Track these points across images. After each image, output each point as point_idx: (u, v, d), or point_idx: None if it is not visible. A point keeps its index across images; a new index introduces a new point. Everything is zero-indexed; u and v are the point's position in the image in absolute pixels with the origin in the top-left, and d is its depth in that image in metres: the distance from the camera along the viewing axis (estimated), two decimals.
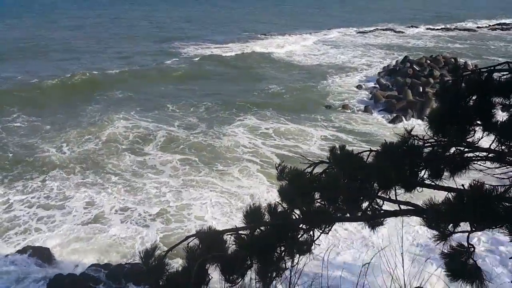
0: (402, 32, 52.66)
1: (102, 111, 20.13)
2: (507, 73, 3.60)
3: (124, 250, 10.04)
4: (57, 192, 12.62)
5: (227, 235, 2.92)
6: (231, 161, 14.71)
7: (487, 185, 2.63)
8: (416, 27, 56.79)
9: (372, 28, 54.96)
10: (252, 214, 3.02)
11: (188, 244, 2.72)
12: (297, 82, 26.53)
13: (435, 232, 2.52)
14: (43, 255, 9.58)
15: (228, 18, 62.32)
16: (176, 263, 3.37)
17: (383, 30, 54.30)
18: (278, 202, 3.35)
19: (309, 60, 34.08)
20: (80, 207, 11.85)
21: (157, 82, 26.16)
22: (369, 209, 3.35)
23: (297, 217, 3.29)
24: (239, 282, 2.92)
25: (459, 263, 2.41)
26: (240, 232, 2.95)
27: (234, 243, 2.88)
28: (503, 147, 3.46)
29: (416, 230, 8.62)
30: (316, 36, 48.33)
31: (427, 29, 55.93)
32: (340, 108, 20.64)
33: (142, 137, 16.96)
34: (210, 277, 2.86)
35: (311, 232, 3.37)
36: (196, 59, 33.55)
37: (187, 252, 2.73)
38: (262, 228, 3.07)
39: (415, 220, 2.96)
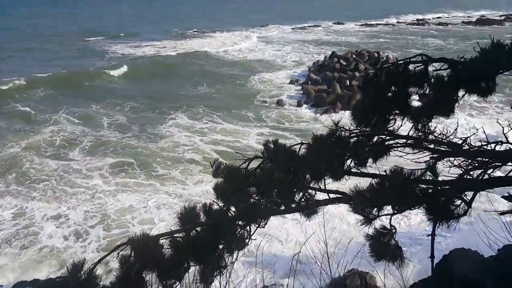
0: (331, 28, 54.88)
1: (25, 117, 18.68)
2: (421, 64, 3.90)
3: (60, 262, 9.41)
4: None
5: (162, 239, 2.85)
6: (171, 162, 14.38)
7: (406, 170, 2.84)
8: (343, 24, 59.47)
9: (304, 25, 56.67)
10: (187, 216, 2.97)
11: (118, 253, 2.61)
12: (230, 79, 26.61)
13: (360, 217, 2.66)
14: None
15: (162, 15, 60.54)
16: (111, 275, 3.22)
17: (314, 26, 56.22)
18: (213, 200, 3.34)
19: (242, 57, 34.30)
20: (7, 218, 10.89)
21: (83, 84, 24.81)
22: (302, 200, 3.46)
23: (233, 214, 3.30)
24: (176, 286, 2.87)
25: (382, 244, 2.57)
26: (176, 235, 2.89)
27: (169, 247, 2.81)
28: (419, 134, 3.76)
29: (340, 217, 9.13)
30: (250, 32, 48.79)
31: (355, 25, 58.85)
32: (274, 104, 21.05)
33: (69, 141, 16.02)
34: (147, 284, 2.77)
35: (248, 227, 3.41)
36: (125, 58, 32.33)
37: (119, 262, 2.62)
38: (198, 228, 3.04)
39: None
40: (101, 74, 27.56)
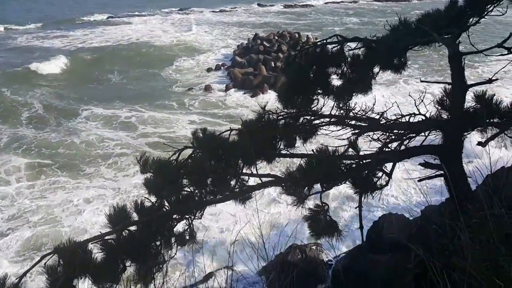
0: (253, 10, 54.88)
1: None
2: (337, 44, 4.05)
3: None
4: None
5: (92, 243, 2.71)
6: (99, 159, 13.58)
7: (330, 148, 2.97)
8: (265, 5, 59.76)
9: (226, 7, 55.95)
10: (117, 216, 2.85)
11: (45, 264, 2.44)
12: (149, 67, 25.54)
13: (293, 198, 2.75)
14: None
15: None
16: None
17: (234, 8, 55.80)
18: (145, 197, 3.23)
19: (159, 42, 33.00)
20: None
21: None
22: (237, 187, 3.47)
23: (167, 208, 3.23)
24: None
25: (318, 221, 2.69)
26: (107, 237, 2.76)
27: (101, 250, 2.69)
28: (341, 112, 3.93)
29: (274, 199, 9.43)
30: (165, 15, 47.09)
31: (273, 6, 59.40)
32: (201, 91, 20.76)
33: None
34: None
35: (186, 221, 3.36)
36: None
37: (47, 273, 2.45)
38: (131, 228, 2.93)
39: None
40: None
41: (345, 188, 2.81)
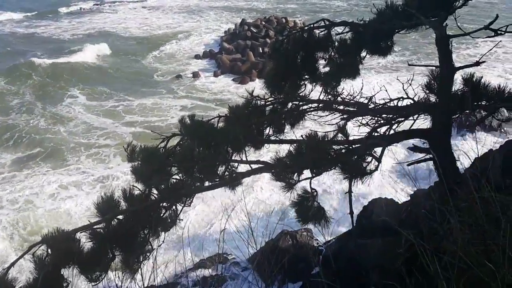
0: None
1: None
2: (324, 29, 4.01)
3: None
4: None
5: (80, 233, 2.67)
6: (84, 148, 13.36)
7: (320, 133, 2.95)
8: None
9: None
10: (105, 205, 2.81)
11: (33, 253, 2.40)
12: (135, 53, 25.04)
13: (282, 183, 2.73)
14: None
15: None
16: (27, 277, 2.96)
17: None
18: (133, 185, 3.19)
19: (140, 29, 32.28)
20: None
21: None
22: (226, 174, 3.44)
23: (156, 196, 3.19)
24: (103, 277, 2.74)
25: (306, 208, 2.69)
26: (95, 227, 2.72)
27: (90, 239, 2.65)
28: (329, 97, 3.91)
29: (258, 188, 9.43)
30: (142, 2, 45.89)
31: None
32: (191, 77, 20.51)
33: None
34: (68, 281, 2.60)
35: (174, 208, 3.33)
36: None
37: (34, 263, 2.41)
38: (120, 217, 2.90)
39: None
40: None
41: (335, 174, 2.80)
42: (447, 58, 2.95)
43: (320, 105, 3.75)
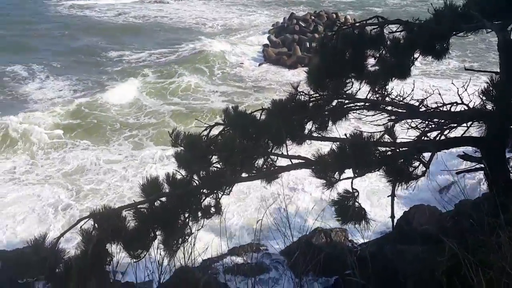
0: None
1: None
2: (377, 26, 3.91)
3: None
4: None
5: (125, 211, 2.80)
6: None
7: (365, 133, 2.90)
8: None
9: None
10: (150, 186, 2.92)
11: (81, 227, 2.55)
12: (180, 43, 25.63)
13: (322, 181, 2.72)
14: None
15: None
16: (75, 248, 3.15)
17: None
18: (176, 170, 3.29)
19: (186, 19, 32.86)
20: None
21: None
22: (265, 166, 3.47)
23: (197, 183, 3.28)
24: (144, 255, 2.86)
25: (346, 207, 2.66)
26: (139, 206, 2.84)
27: (134, 218, 2.78)
28: (377, 96, 3.82)
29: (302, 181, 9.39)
30: None
31: None
32: (237, 67, 20.70)
33: None
34: (112, 256, 2.74)
35: (214, 195, 3.41)
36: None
37: (81, 235, 2.56)
38: (162, 199, 3.00)
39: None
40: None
41: (378, 175, 2.75)
42: (509, 65, 2.80)
43: (367, 104, 3.68)
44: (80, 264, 2.57)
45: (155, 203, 2.92)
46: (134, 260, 2.88)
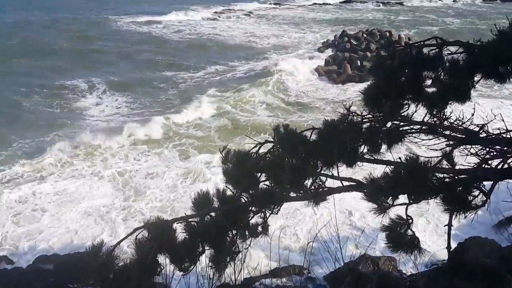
0: (342, 6, 53.58)
1: None
2: (435, 47, 3.81)
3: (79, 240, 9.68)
4: None
5: (177, 223, 2.88)
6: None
7: (422, 158, 2.80)
8: (358, 2, 57.89)
9: (304, 2, 55.23)
10: (201, 201, 2.99)
11: (136, 236, 2.65)
12: (236, 59, 26.34)
13: (374, 206, 2.64)
14: None
15: None
16: (127, 257, 3.29)
17: (319, 4, 54.92)
18: (226, 186, 3.35)
19: (242, 36, 33.75)
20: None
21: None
22: (313, 187, 3.44)
23: (246, 200, 3.31)
24: (191, 269, 2.91)
25: (399, 234, 2.56)
26: (190, 220, 2.92)
27: (184, 231, 2.85)
28: (434, 120, 3.69)
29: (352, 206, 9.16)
30: (240, 7, 47.86)
31: (362, 2, 57.35)
32: (287, 84, 20.88)
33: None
34: (162, 267, 2.82)
35: (261, 214, 3.42)
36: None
37: (135, 245, 2.66)
38: (212, 214, 3.06)
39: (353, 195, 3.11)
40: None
41: (434, 203, 2.63)
42: None
43: (424, 127, 3.56)
44: (131, 273, 2.67)
45: (205, 218, 2.99)
46: (182, 273, 2.94)
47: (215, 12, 45.98)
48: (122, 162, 13.23)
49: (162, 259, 2.84)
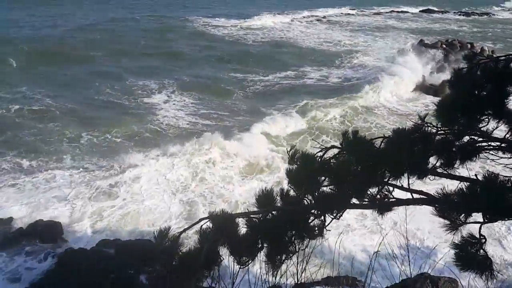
0: (413, 14, 51.40)
1: None
2: None
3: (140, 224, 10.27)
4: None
5: (239, 218, 2.97)
6: None
7: (501, 176, 2.62)
8: (431, 12, 55.18)
9: (381, 10, 53.60)
10: (264, 199, 3.05)
11: (201, 226, 2.77)
12: (316, 61, 26.32)
13: (446, 222, 2.52)
14: (54, 229, 9.81)
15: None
16: (190, 245, 3.44)
17: (397, 12, 53.01)
18: (290, 186, 3.37)
19: (319, 43, 33.54)
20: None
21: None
22: (378, 196, 3.35)
23: (308, 202, 3.31)
24: (249, 263, 2.98)
25: (470, 253, 2.42)
26: (252, 216, 2.99)
27: (245, 226, 2.92)
28: None
29: (420, 218, 8.69)
30: (317, 13, 47.55)
31: (448, 13, 54.43)
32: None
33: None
34: (222, 258, 2.92)
35: (322, 217, 3.40)
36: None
37: (199, 234, 2.78)
38: (273, 212, 3.11)
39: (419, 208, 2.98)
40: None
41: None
42: None
43: (503, 145, 3.33)
44: (194, 260, 2.80)
45: (267, 215, 3.04)
46: (240, 266, 3.02)
47: (309, 16, 46.23)
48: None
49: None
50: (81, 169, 12.93)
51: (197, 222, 2.80)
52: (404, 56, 25.11)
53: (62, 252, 8.96)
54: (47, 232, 9.71)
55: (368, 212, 3.18)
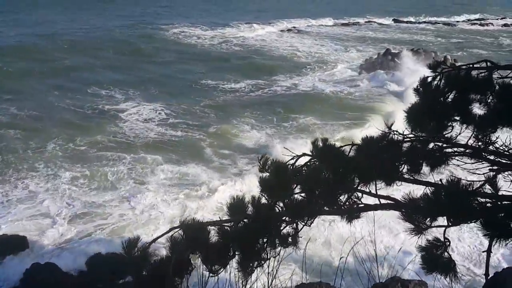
0: (383, 25, 53.07)
1: None
2: (485, 71, 3.71)
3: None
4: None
5: (211, 227, 2.95)
6: None
7: (463, 181, 2.72)
8: (397, 21, 57.14)
9: (351, 20, 55.03)
10: (236, 206, 3.04)
11: (172, 235, 2.74)
12: (286, 71, 26.52)
13: (412, 226, 2.59)
14: (19, 243, 9.41)
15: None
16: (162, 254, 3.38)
17: (366, 22, 54.52)
18: (262, 194, 3.38)
19: (286, 50, 33.89)
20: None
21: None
22: (348, 202, 3.40)
23: (280, 209, 3.33)
24: (220, 271, 2.96)
25: (435, 256, 2.50)
26: (223, 224, 2.97)
27: (217, 234, 2.91)
28: (479, 143, 3.58)
29: (389, 223, 8.89)
30: (287, 25, 48.43)
31: (407, 22, 56.46)
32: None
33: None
34: (193, 266, 2.89)
35: (294, 224, 3.42)
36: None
37: (170, 243, 2.75)
38: (245, 220, 3.10)
39: (390, 213, 3.06)
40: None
41: (473, 228, 2.55)
42: None
43: (468, 150, 3.46)
44: (165, 270, 2.75)
45: (238, 224, 3.03)
46: (211, 274, 2.99)
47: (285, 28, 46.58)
48: None
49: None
50: (49, 179, 12.51)
51: (168, 232, 2.76)
52: (370, 65, 25.86)
53: (28, 267, 8.58)
54: (11, 246, 9.30)
55: (338, 218, 3.22)
